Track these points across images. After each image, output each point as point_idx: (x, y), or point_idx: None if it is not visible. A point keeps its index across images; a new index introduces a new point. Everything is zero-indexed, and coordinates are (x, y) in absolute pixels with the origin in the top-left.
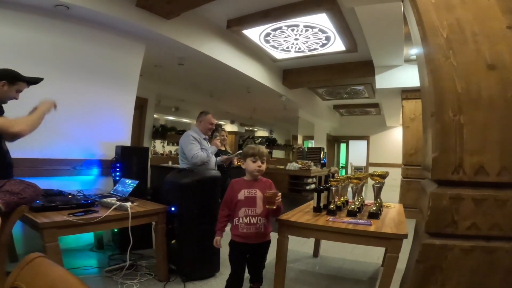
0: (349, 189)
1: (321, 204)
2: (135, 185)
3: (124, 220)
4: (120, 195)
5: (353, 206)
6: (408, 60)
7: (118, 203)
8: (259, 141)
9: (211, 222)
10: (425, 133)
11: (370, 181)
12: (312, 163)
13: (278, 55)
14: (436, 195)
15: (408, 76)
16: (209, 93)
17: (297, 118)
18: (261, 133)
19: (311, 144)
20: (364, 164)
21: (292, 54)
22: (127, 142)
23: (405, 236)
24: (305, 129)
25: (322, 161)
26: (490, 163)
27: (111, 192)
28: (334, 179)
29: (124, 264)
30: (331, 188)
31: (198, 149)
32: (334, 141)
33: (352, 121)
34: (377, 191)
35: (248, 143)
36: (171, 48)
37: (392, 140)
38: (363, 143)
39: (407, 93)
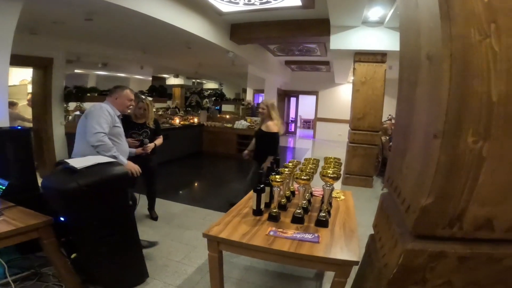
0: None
1: (262, 207)
2: (4, 187)
3: None
4: None
5: (298, 211)
6: (365, 22)
7: None
8: (208, 93)
9: (121, 232)
10: (407, 151)
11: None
12: None
13: (224, 7)
14: (412, 253)
15: (363, 39)
16: (141, 49)
17: (246, 73)
18: (211, 85)
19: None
20: (312, 117)
21: (240, 7)
22: (3, 122)
23: (356, 263)
24: (256, 83)
25: None
26: (503, 217)
27: None
28: (278, 178)
29: (27, 272)
30: (274, 189)
31: (104, 129)
32: (285, 95)
33: (302, 77)
34: (328, 195)
35: (193, 98)
36: (68, 1)
37: (340, 97)
38: (312, 98)
39: (360, 56)
